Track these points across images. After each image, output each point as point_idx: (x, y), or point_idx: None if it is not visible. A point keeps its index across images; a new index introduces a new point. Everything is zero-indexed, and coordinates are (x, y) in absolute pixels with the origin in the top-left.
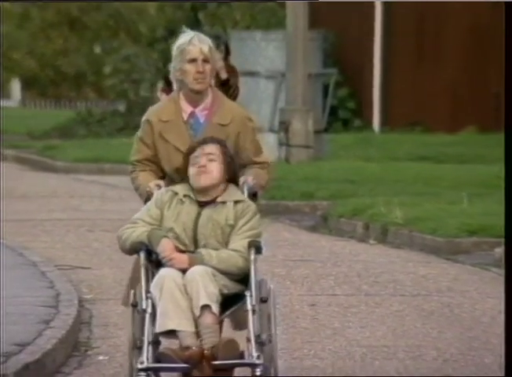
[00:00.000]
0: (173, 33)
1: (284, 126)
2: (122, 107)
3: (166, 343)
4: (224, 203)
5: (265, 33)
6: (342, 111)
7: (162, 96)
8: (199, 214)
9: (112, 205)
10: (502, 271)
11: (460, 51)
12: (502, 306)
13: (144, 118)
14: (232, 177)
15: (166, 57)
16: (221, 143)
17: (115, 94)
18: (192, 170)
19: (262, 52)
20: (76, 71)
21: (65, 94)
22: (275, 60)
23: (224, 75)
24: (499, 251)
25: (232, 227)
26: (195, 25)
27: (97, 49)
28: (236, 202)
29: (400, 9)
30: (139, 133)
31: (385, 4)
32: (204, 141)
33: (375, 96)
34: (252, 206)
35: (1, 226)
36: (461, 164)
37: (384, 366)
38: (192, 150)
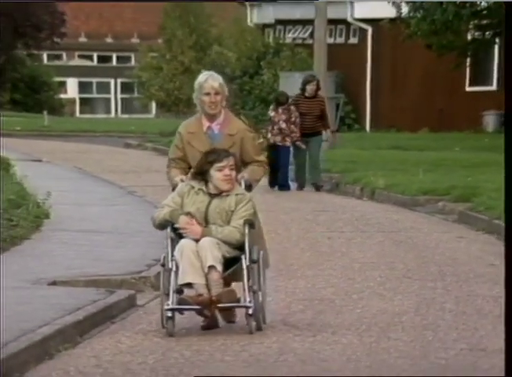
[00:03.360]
0: (245, 73)
1: None
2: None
3: (187, 292)
4: (228, 195)
5: (300, 73)
6: (347, 119)
7: (272, 114)
8: (209, 203)
9: None
10: (443, 216)
11: (418, 84)
12: (443, 238)
13: (178, 130)
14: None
15: (242, 89)
16: (235, 156)
17: None
18: (216, 175)
19: (299, 84)
20: (188, 96)
21: (181, 110)
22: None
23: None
24: (441, 204)
25: (233, 212)
26: (259, 69)
27: None
28: (237, 194)
29: (382, 58)
30: (174, 140)
31: (372, 54)
32: (227, 155)
33: (367, 110)
34: (247, 196)
35: (144, 189)
36: (419, 151)
37: (371, 274)
38: (217, 159)
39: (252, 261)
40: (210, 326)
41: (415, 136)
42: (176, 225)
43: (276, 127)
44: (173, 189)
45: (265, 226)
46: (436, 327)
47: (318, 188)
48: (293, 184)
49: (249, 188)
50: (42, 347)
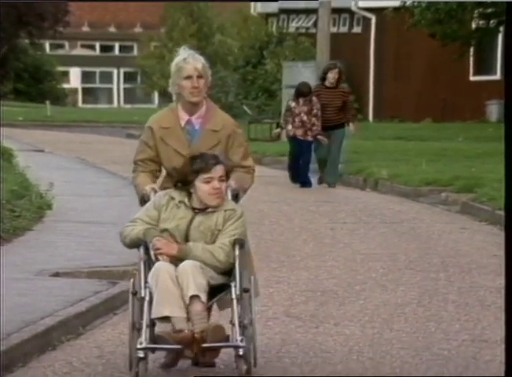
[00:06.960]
0: (248, 63)
1: None
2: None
3: (160, 326)
4: (215, 211)
5: (304, 63)
6: None
7: (293, 104)
8: (192, 219)
9: None
10: (446, 207)
11: (421, 73)
12: (445, 229)
13: (146, 124)
14: None
15: (245, 78)
16: (224, 163)
17: (214, 99)
18: (203, 187)
19: (302, 74)
20: None
21: None
22: (310, 79)
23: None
24: (444, 195)
25: (220, 231)
26: (262, 58)
27: None
28: (226, 210)
29: (385, 47)
30: (142, 137)
31: (376, 44)
32: (215, 162)
33: (370, 100)
34: (238, 211)
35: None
36: (422, 141)
37: (374, 265)
38: (204, 168)
39: (244, 290)
40: (174, 364)
41: (418, 126)
42: (149, 245)
43: (297, 119)
44: (142, 201)
45: (267, 217)
46: (438, 318)
47: (330, 185)
48: (313, 180)
49: (235, 198)
50: (45, 338)
